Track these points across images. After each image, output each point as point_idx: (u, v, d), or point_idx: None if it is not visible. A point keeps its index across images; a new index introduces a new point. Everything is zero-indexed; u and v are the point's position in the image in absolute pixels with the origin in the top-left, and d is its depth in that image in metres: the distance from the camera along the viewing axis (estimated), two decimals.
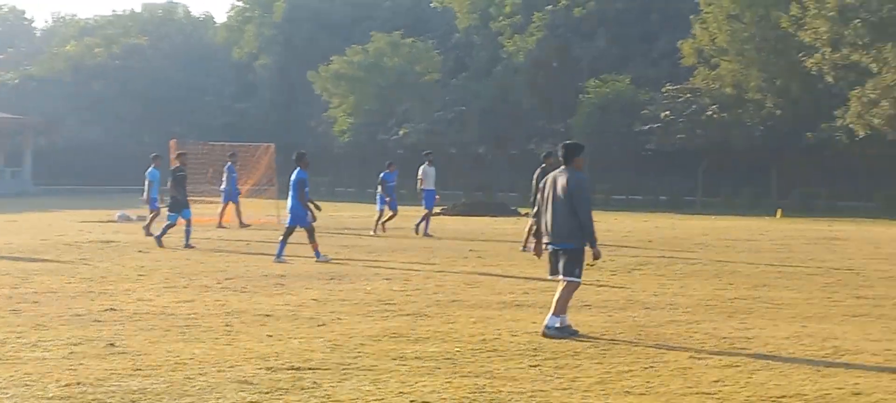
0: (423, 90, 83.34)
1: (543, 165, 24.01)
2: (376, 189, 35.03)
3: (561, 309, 13.34)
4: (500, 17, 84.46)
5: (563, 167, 13.67)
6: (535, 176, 23.78)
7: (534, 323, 14.21)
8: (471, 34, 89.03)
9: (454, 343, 12.62)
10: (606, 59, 78.85)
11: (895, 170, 63.05)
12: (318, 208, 24.60)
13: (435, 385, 10.23)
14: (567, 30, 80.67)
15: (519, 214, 50.00)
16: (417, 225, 33.53)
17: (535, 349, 12.23)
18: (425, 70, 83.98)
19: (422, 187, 33.86)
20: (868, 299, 17.41)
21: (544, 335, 13.13)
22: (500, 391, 10.03)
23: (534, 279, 19.95)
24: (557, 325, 13.19)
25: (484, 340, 12.83)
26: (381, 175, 34.64)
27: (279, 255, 23.46)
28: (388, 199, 34.12)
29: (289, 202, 24.08)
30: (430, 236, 32.56)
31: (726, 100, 65.79)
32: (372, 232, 33.61)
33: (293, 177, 23.89)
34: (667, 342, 12.93)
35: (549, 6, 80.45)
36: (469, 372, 10.86)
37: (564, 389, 10.17)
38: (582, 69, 79.66)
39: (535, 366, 11.24)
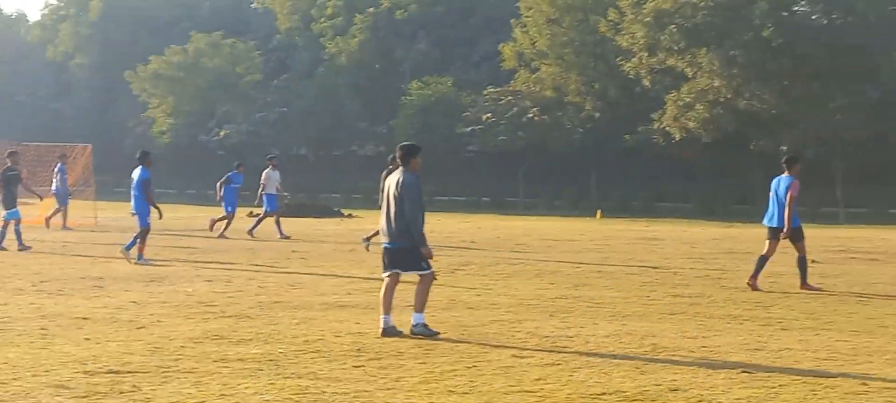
0: (244, 91, 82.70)
1: (390, 167, 23.92)
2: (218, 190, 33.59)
3: (420, 305, 13.44)
4: (322, 19, 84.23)
5: (400, 168, 13.72)
6: (381, 177, 23.75)
7: (357, 323, 14.19)
8: (292, 35, 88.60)
9: (277, 344, 12.50)
10: (429, 61, 79.31)
11: (710, 172, 64.76)
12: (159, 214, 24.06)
13: (258, 387, 10.12)
14: (389, 32, 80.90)
15: (342, 215, 49.98)
16: (278, 229, 32.51)
17: (358, 349, 12.18)
18: (246, 71, 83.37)
19: (263, 192, 33.13)
20: (684, 297, 17.78)
21: (413, 332, 13.20)
22: (324, 392, 9.97)
23: (357, 279, 19.95)
24: (423, 322, 13.30)
25: (307, 341, 12.74)
26: (228, 174, 33.45)
27: (127, 247, 23.09)
28: (220, 199, 32.97)
29: (134, 203, 23.64)
30: (253, 237, 32.01)
31: (547, 103, 66.72)
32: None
33: (137, 176, 23.47)
34: (490, 341, 13.01)
35: (371, 8, 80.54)
36: (292, 374, 10.76)
37: (388, 389, 10.15)
38: (404, 71, 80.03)
39: (358, 367, 11.21)
